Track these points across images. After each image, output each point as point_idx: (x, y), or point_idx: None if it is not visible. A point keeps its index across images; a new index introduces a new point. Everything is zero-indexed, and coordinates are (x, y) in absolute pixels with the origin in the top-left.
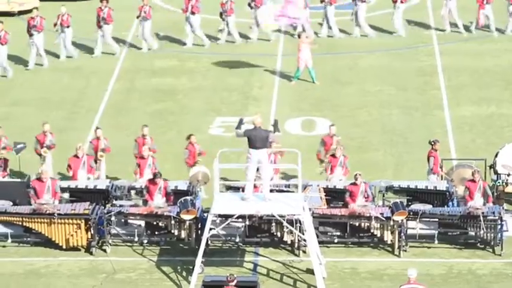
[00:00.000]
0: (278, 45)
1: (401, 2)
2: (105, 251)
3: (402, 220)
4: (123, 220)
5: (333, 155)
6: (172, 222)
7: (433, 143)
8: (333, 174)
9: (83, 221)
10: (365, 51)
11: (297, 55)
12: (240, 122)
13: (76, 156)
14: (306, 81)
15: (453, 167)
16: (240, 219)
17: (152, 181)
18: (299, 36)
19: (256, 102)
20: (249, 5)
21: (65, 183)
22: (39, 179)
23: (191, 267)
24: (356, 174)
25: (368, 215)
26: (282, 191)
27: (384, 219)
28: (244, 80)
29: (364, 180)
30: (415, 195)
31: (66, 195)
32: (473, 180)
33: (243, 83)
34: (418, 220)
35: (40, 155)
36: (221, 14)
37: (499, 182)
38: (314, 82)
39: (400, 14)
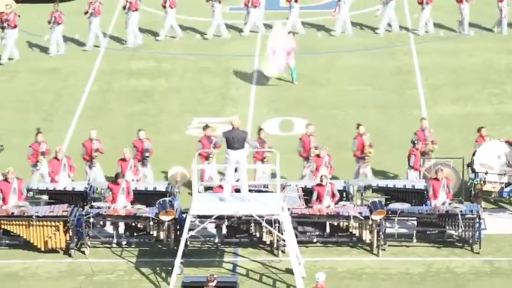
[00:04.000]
0: (255, 46)
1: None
2: (83, 252)
3: (381, 219)
4: (101, 222)
5: (318, 155)
6: (151, 223)
7: (415, 142)
8: (318, 174)
9: (62, 223)
10: (342, 51)
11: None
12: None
13: (56, 158)
14: (284, 82)
15: (431, 166)
16: (219, 220)
17: (115, 182)
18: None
19: (233, 103)
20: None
21: (43, 186)
22: (5, 179)
23: (170, 268)
24: (322, 176)
25: (347, 214)
26: (261, 191)
27: (362, 218)
28: (221, 80)
29: (335, 180)
30: (394, 194)
31: (45, 198)
32: (436, 179)
33: (220, 83)
34: (396, 219)
35: (90, 160)
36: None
37: (476, 181)
38: (293, 82)
39: (390, 12)
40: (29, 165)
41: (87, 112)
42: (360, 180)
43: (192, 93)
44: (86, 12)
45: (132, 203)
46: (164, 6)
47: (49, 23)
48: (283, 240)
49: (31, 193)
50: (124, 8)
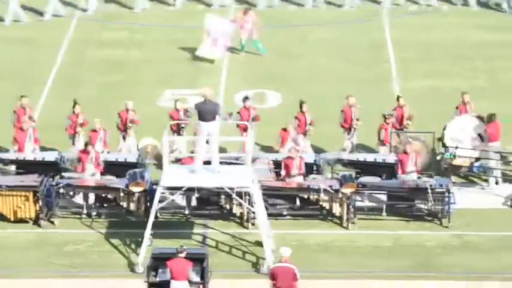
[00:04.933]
0: (228, 17)
1: None
2: (53, 223)
3: (351, 193)
4: (71, 192)
5: (285, 129)
6: (121, 194)
7: (387, 117)
8: (284, 147)
9: (31, 193)
10: (315, 24)
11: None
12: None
13: (21, 129)
14: (256, 54)
15: (401, 140)
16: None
17: (84, 151)
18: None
19: (206, 75)
20: None
21: (12, 156)
22: None
23: (140, 240)
24: (290, 148)
25: (317, 187)
26: (232, 163)
27: (332, 191)
28: (194, 52)
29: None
30: (364, 168)
31: (13, 167)
32: (405, 153)
33: (193, 55)
34: (366, 192)
35: (124, 130)
36: None
37: (447, 155)
38: (261, 55)
39: None
40: (66, 137)
41: (59, 82)
42: (330, 154)
43: (164, 64)
44: None
45: (103, 174)
46: None
47: None
48: (253, 212)
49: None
50: None
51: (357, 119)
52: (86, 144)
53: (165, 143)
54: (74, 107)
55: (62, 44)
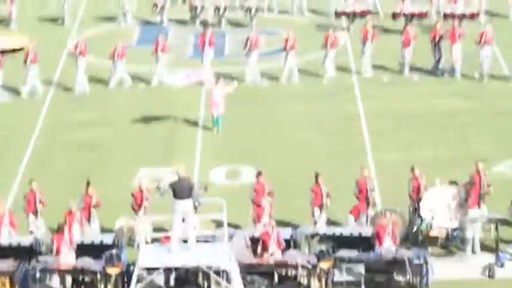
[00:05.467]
0: (200, 94)
1: (332, 46)
2: None
3: (329, 267)
4: (48, 276)
5: (259, 205)
6: (99, 276)
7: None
8: (260, 222)
9: (7, 278)
10: (287, 98)
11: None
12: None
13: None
14: (230, 130)
15: (377, 212)
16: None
17: (58, 233)
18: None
19: (180, 152)
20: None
21: None
22: None
23: None
24: (265, 224)
25: (295, 263)
26: (208, 241)
27: (310, 267)
28: (167, 130)
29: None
30: (341, 241)
31: None
32: (382, 225)
33: (166, 133)
34: (344, 266)
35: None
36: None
37: (423, 226)
38: (218, 131)
39: (332, 58)
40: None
41: (33, 165)
42: (306, 228)
43: (138, 143)
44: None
45: (79, 256)
46: (113, 56)
47: None
48: None
49: None
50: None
51: (372, 190)
52: (60, 227)
53: (140, 223)
54: (87, 188)
55: (36, 124)
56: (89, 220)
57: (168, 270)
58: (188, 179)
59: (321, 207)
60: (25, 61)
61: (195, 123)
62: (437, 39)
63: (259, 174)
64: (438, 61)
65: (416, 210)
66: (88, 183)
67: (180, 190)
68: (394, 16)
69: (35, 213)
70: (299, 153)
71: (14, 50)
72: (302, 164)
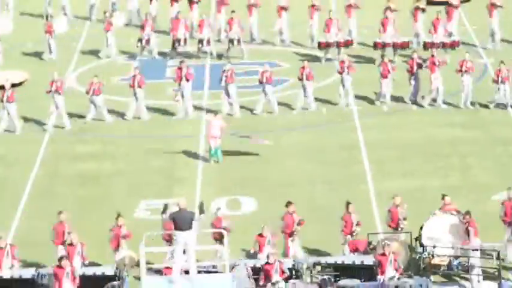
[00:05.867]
0: (200, 126)
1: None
2: None
3: None
4: None
5: (260, 234)
6: None
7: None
8: (262, 253)
9: None
10: (286, 129)
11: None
12: (165, 208)
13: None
14: (229, 161)
15: (379, 241)
16: None
17: (59, 266)
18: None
19: (180, 184)
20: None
21: None
22: None
23: None
24: (268, 254)
25: None
26: (210, 272)
27: None
28: (167, 162)
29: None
30: (343, 270)
31: None
32: (383, 254)
33: (166, 165)
34: None
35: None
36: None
37: (425, 254)
38: (218, 162)
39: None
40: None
41: (34, 197)
42: (308, 258)
43: (138, 175)
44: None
45: None
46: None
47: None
48: None
49: None
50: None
51: (404, 219)
52: (61, 260)
53: (142, 254)
54: (117, 219)
55: (36, 159)
56: (117, 250)
57: None
58: (189, 211)
59: (351, 235)
60: (49, 91)
61: (194, 154)
62: (414, 69)
63: (289, 203)
64: (416, 90)
65: (416, 238)
66: (118, 215)
67: (182, 221)
68: (376, 46)
69: (64, 244)
70: (299, 182)
71: (14, 85)
72: (302, 194)
